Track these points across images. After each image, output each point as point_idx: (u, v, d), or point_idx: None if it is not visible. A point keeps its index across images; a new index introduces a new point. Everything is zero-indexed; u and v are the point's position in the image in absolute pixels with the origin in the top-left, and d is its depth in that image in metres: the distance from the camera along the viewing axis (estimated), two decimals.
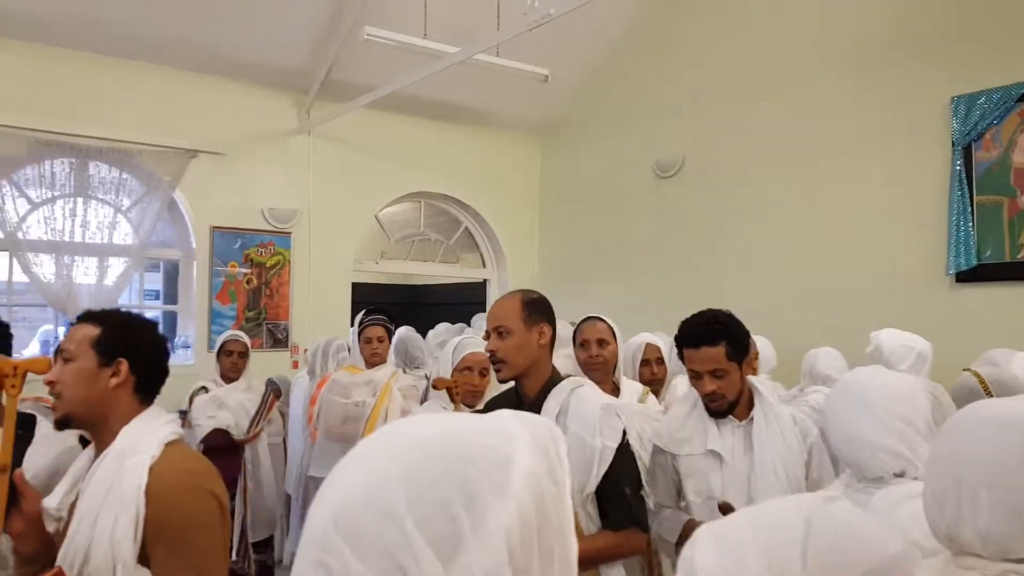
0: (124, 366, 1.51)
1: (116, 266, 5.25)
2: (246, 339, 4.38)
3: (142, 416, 1.53)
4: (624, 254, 6.35)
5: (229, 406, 4.05)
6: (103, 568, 1.36)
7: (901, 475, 1.48)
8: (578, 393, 1.87)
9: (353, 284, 6.28)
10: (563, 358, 4.35)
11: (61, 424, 1.50)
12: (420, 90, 5.57)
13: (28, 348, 6.20)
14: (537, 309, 1.94)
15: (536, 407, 1.85)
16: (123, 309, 1.69)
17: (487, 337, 1.93)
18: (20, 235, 4.93)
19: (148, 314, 6.24)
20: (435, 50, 4.64)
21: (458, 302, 7.49)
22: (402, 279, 7.74)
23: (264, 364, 5.15)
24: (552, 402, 1.85)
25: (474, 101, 6.46)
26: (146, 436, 1.48)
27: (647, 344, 3.21)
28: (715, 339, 2.03)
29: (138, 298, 6.01)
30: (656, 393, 3.01)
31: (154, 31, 5.05)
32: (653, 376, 3.13)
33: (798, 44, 5.21)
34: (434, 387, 2.53)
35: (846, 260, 4.89)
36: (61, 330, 5.37)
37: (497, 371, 1.91)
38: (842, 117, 4.94)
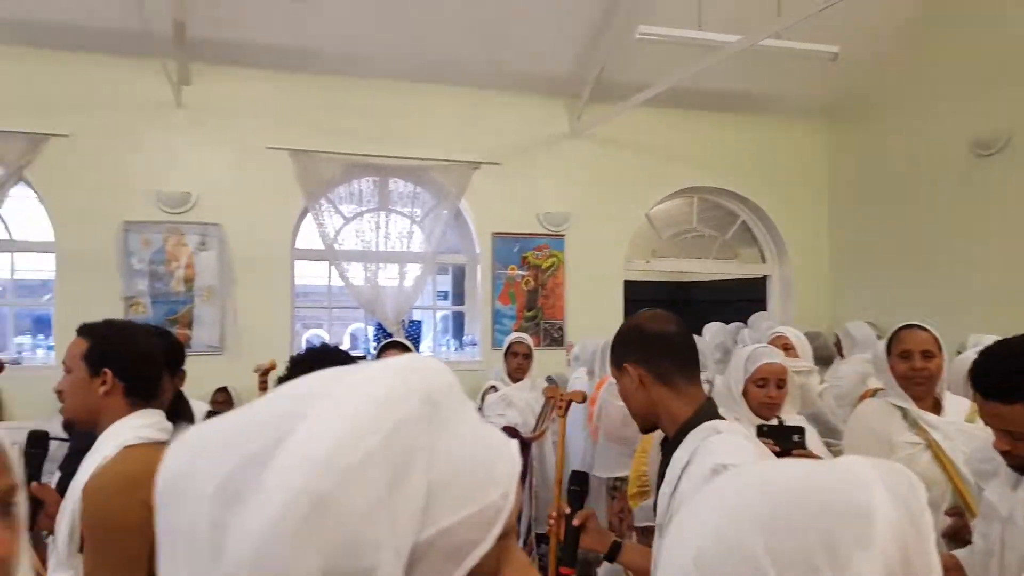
0: (109, 375, 1.67)
1: (412, 271, 5.89)
2: (530, 341, 4.65)
3: (124, 419, 1.67)
4: (931, 246, 5.70)
5: (516, 405, 4.35)
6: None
7: None
8: (707, 444, 1.55)
9: (625, 282, 6.39)
10: (861, 363, 4.06)
11: (67, 426, 1.73)
12: (692, 82, 5.49)
13: (343, 343, 7.19)
14: (621, 350, 1.68)
15: (669, 454, 1.63)
16: (116, 320, 1.87)
17: None
18: (336, 246, 5.73)
19: (439, 314, 6.94)
20: (711, 41, 4.55)
21: (734, 299, 7.26)
22: (672, 276, 7.69)
23: (543, 362, 5.44)
24: (682, 451, 1.58)
25: (752, 88, 6.21)
26: (111, 438, 1.63)
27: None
28: None
29: (431, 299, 6.66)
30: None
31: (444, 55, 5.57)
32: None
33: None
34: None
35: None
36: (370, 329, 6.14)
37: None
38: None
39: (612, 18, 5.36)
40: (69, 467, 1.82)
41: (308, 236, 5.83)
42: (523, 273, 6.11)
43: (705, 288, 8.13)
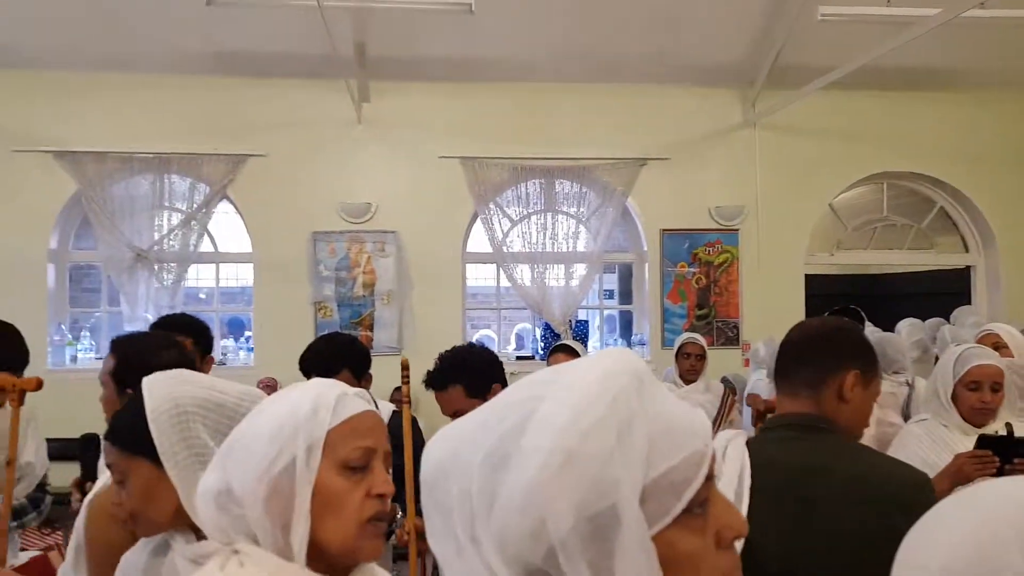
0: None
1: (579, 271, 5.94)
2: (703, 341, 4.53)
3: None
4: None
5: None
6: None
7: None
8: None
9: (806, 277, 6.08)
10: None
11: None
12: (878, 61, 5.13)
13: (510, 343, 7.39)
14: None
15: None
16: (142, 334, 1.93)
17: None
18: (504, 248, 5.89)
19: (606, 313, 6.95)
20: (902, 17, 4.24)
21: (930, 293, 6.70)
22: (859, 269, 7.22)
23: (716, 362, 5.29)
24: None
25: (948, 63, 5.71)
26: None
27: None
28: None
29: (598, 298, 6.68)
30: None
31: (608, 54, 5.58)
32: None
33: None
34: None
35: None
36: (537, 329, 6.26)
37: None
38: None
39: (788, 1, 5.11)
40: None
41: (478, 240, 6.05)
42: (694, 270, 5.98)
43: (896, 281, 7.57)
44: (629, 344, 6.30)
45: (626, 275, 6.56)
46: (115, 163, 5.53)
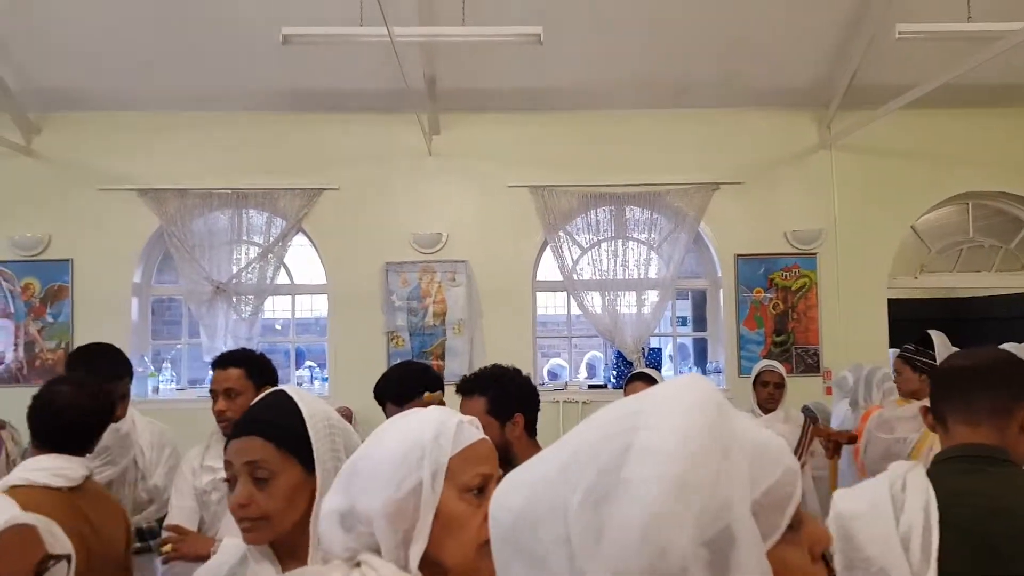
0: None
1: (651, 297, 5.92)
2: (781, 369, 4.45)
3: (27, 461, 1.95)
4: None
5: None
6: None
7: None
8: None
9: (889, 301, 5.92)
10: None
11: None
12: (959, 78, 5.02)
13: (580, 372, 7.38)
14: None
15: None
16: (55, 380, 2.12)
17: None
18: (575, 276, 5.92)
19: (679, 341, 6.90)
20: (986, 33, 4.14)
21: (1020, 316, 6.45)
22: (945, 292, 7.00)
23: (795, 391, 5.19)
24: None
25: None
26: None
27: None
28: None
29: (671, 326, 6.64)
30: None
31: (678, 79, 5.60)
32: None
33: None
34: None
35: None
36: (611, 355, 6.25)
37: None
38: None
39: (864, 20, 5.06)
40: None
41: (548, 268, 6.09)
42: (770, 296, 5.89)
43: (985, 304, 7.31)
44: (704, 372, 6.23)
45: (700, 302, 6.51)
46: (195, 199, 5.78)
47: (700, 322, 6.52)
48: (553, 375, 7.46)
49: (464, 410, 2.21)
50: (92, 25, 5.06)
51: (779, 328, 5.88)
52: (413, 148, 5.78)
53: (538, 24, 4.17)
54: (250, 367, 2.47)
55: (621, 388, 5.78)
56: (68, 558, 1.46)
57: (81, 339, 5.38)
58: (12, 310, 5.71)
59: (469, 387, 2.23)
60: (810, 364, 5.84)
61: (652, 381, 3.40)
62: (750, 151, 5.90)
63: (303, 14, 4.57)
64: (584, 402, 5.77)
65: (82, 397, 2.02)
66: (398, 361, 5.77)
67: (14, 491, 1.75)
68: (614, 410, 0.65)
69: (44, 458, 1.93)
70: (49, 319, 5.71)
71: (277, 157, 5.84)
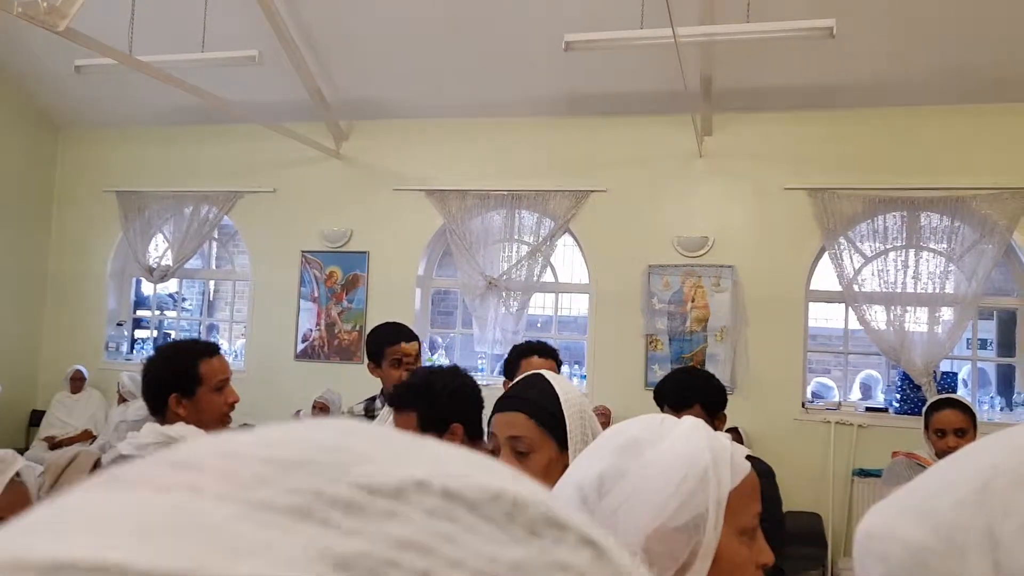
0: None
1: (946, 315, 5.34)
2: None
3: None
4: None
5: None
6: None
7: None
8: None
9: None
10: None
11: None
12: None
13: (851, 392, 6.84)
14: None
15: None
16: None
17: None
18: (855, 287, 5.51)
19: (979, 365, 6.15)
20: None
21: None
22: None
23: None
24: None
25: None
26: None
27: None
28: None
29: (968, 348, 5.94)
30: None
31: (996, 67, 5.00)
32: None
33: None
34: None
35: None
36: (893, 376, 5.73)
37: None
38: None
39: None
40: None
41: (824, 277, 5.74)
42: None
43: None
44: (1010, 404, 5.49)
45: (1008, 323, 5.75)
46: (474, 200, 6.25)
47: (1007, 347, 5.75)
48: (815, 394, 7.01)
49: (398, 426, 2.03)
50: (391, 40, 5.67)
51: None
52: (683, 150, 5.75)
53: (828, 17, 3.95)
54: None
55: (905, 414, 5.29)
56: None
57: (373, 324, 6.05)
58: (318, 295, 6.59)
59: (399, 401, 2.04)
60: None
61: (967, 410, 3.06)
62: None
63: (583, 19, 4.74)
64: (860, 425, 5.37)
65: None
66: (654, 365, 5.82)
67: None
68: (986, 445, 0.57)
69: None
70: (347, 304, 6.51)
71: (550, 160, 6.13)
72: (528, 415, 1.37)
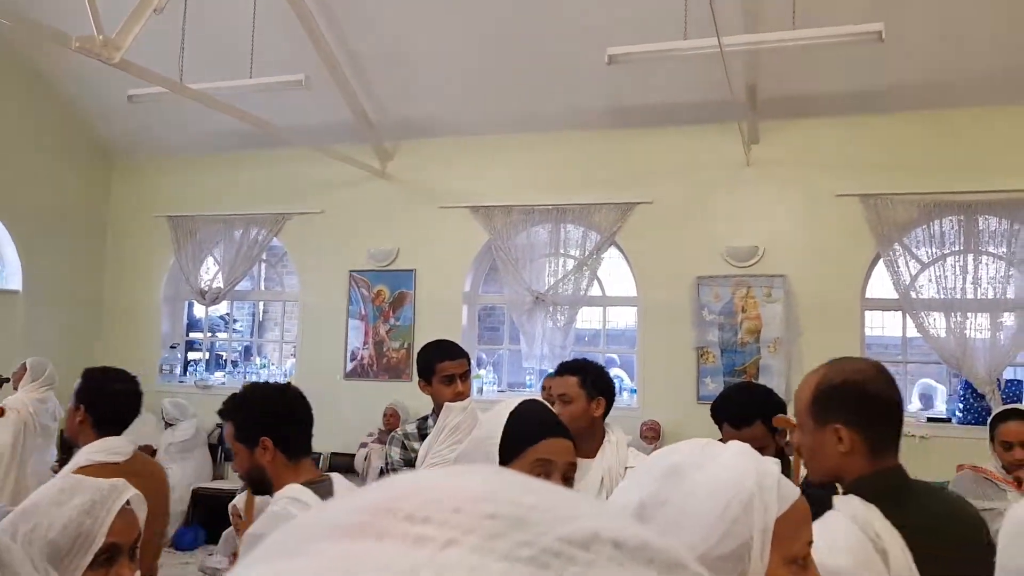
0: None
1: (1008, 321, 5.22)
2: None
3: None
4: None
5: None
6: None
7: None
8: None
9: None
10: None
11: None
12: None
13: (911, 402, 6.68)
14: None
15: None
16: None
17: None
18: (912, 294, 5.42)
19: None
20: None
21: None
22: None
23: None
24: None
25: None
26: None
27: None
28: None
29: None
30: None
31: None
32: None
33: None
34: None
35: None
36: (954, 385, 5.61)
37: None
38: None
39: None
40: None
41: (880, 284, 5.66)
42: None
43: None
44: None
45: None
46: (519, 215, 6.30)
47: None
48: None
49: (225, 435, 2.17)
50: (434, 60, 5.78)
51: None
52: (729, 159, 5.74)
53: (876, 20, 3.93)
54: (585, 376, 2.68)
55: (968, 423, 5.17)
56: None
57: (420, 341, 6.14)
58: (365, 313, 6.70)
59: (221, 411, 2.12)
60: None
61: None
62: None
63: (626, 31, 4.78)
64: (922, 436, 5.25)
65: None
66: (707, 378, 5.78)
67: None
68: None
69: None
70: (395, 322, 6.60)
71: (594, 173, 6.16)
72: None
